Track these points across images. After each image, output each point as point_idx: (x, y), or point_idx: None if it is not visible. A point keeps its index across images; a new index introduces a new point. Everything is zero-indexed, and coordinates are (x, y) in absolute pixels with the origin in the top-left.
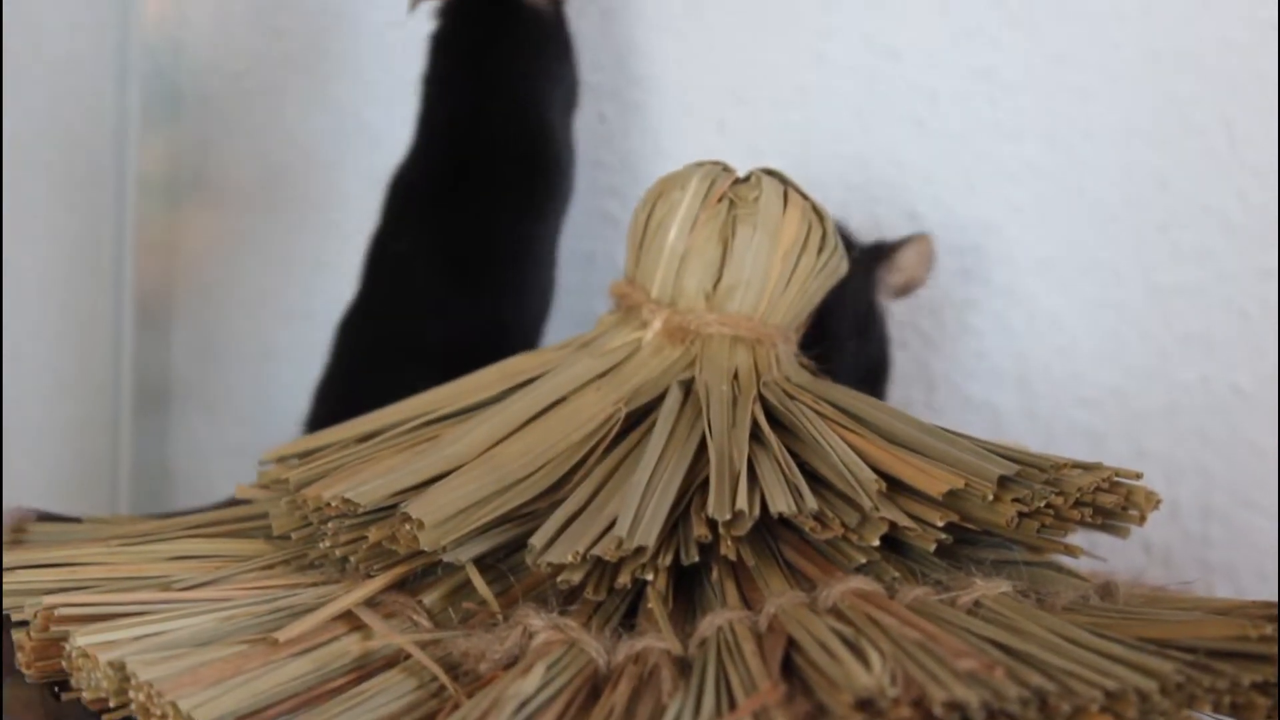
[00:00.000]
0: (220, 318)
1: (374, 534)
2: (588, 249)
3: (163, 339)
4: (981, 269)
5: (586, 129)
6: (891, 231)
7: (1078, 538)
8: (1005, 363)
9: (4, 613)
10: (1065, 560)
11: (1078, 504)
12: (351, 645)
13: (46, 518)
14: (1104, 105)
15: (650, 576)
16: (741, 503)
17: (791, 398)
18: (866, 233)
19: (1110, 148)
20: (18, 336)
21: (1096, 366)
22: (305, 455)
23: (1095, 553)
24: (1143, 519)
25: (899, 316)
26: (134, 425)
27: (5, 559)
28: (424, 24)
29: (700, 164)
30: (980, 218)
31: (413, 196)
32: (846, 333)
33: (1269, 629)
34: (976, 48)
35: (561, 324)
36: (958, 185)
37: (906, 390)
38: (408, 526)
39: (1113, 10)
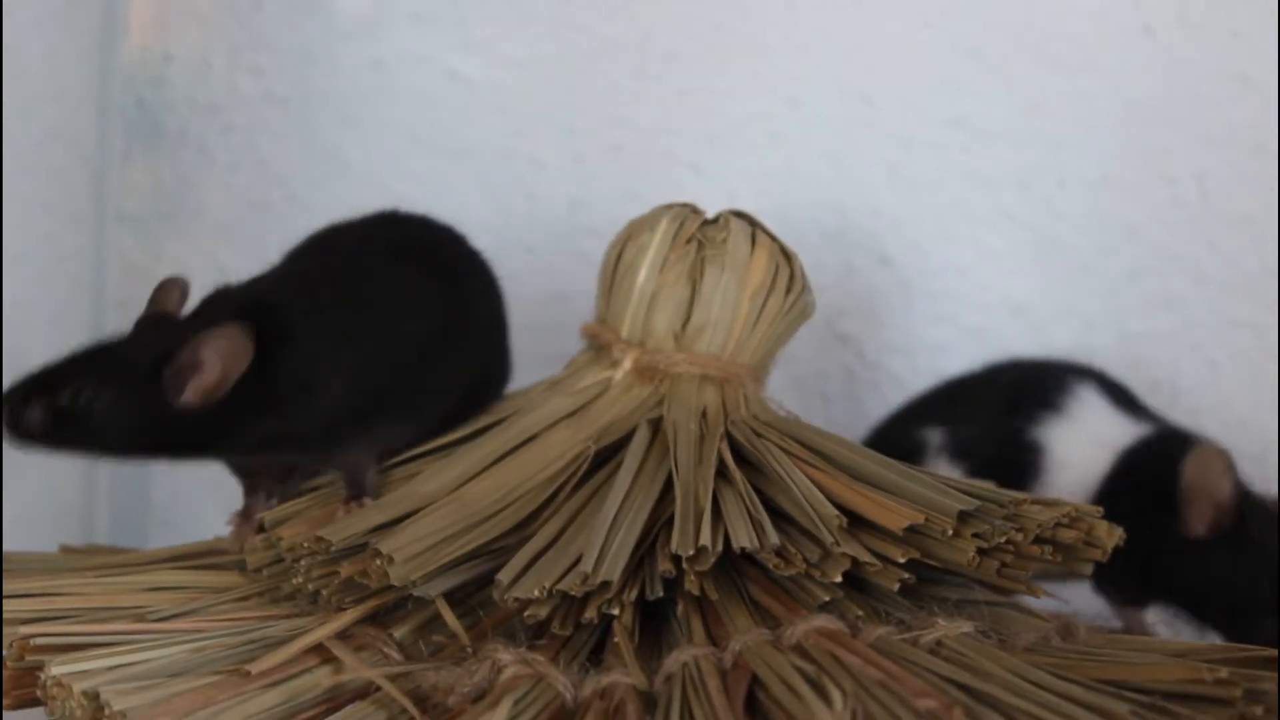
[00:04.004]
0: None
1: (346, 569)
2: (561, 289)
3: None
4: (954, 313)
5: (564, 169)
6: (865, 276)
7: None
8: None
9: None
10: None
11: (1038, 540)
12: (322, 677)
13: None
14: (1077, 154)
15: (616, 611)
16: (705, 538)
17: (759, 435)
18: (839, 277)
19: (1082, 196)
20: None
21: None
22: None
23: (1057, 595)
24: (1104, 554)
25: (869, 358)
26: (114, 465)
27: None
28: (402, 64)
29: (669, 206)
30: (953, 263)
31: None
32: None
33: (1223, 672)
34: (951, 96)
35: (535, 364)
36: (931, 231)
37: None
38: (378, 562)
39: (1087, 62)
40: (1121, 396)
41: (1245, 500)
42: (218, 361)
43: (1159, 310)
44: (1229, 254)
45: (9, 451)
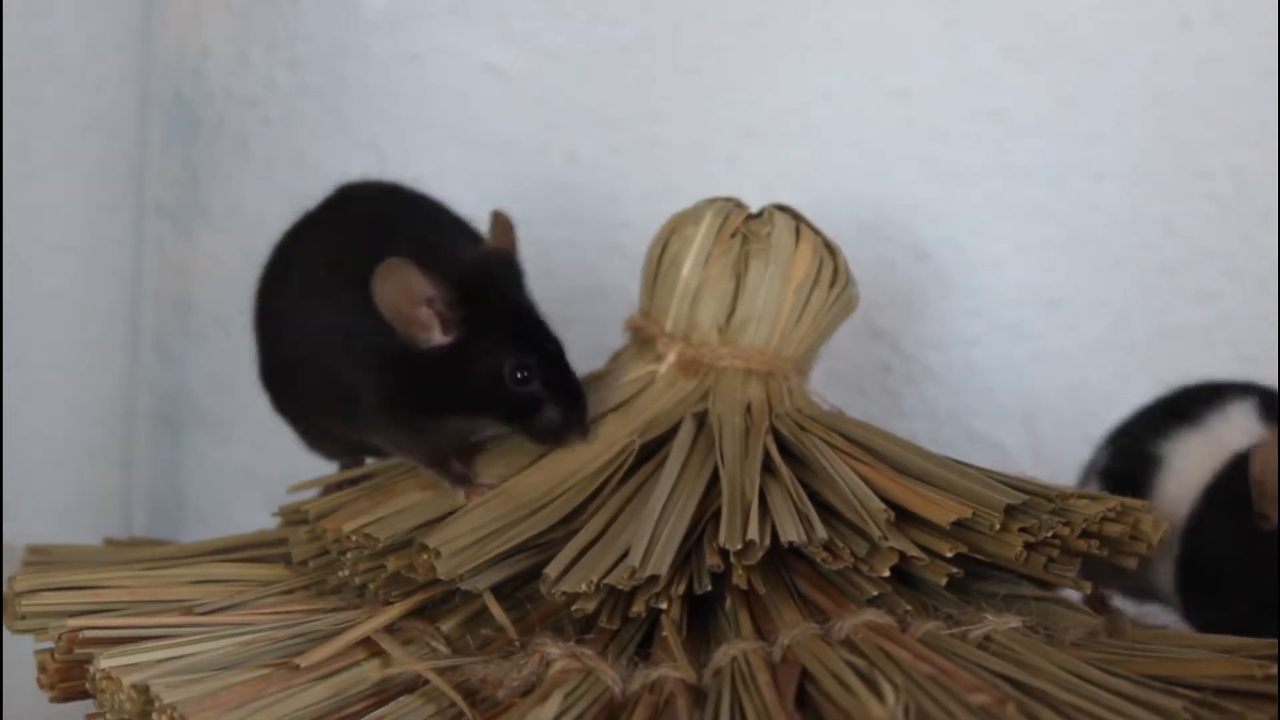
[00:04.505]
0: (235, 343)
1: (392, 564)
2: (599, 281)
3: (178, 364)
4: (989, 308)
5: (599, 162)
6: (901, 270)
7: None
8: (1011, 401)
9: None
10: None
11: (1084, 534)
12: (370, 671)
13: None
14: (1112, 149)
15: (664, 605)
16: (753, 532)
17: (804, 429)
18: (875, 271)
19: (1117, 190)
20: (33, 360)
21: (1103, 406)
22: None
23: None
24: (1150, 548)
25: (905, 352)
26: (148, 451)
27: (28, 582)
28: (438, 57)
29: (713, 200)
30: (988, 257)
31: None
32: None
33: (1273, 669)
34: (987, 89)
35: (575, 357)
36: (967, 225)
37: (912, 425)
38: (425, 556)
39: (1122, 56)
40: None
41: None
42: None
43: (1193, 305)
44: (1264, 248)
45: (44, 448)
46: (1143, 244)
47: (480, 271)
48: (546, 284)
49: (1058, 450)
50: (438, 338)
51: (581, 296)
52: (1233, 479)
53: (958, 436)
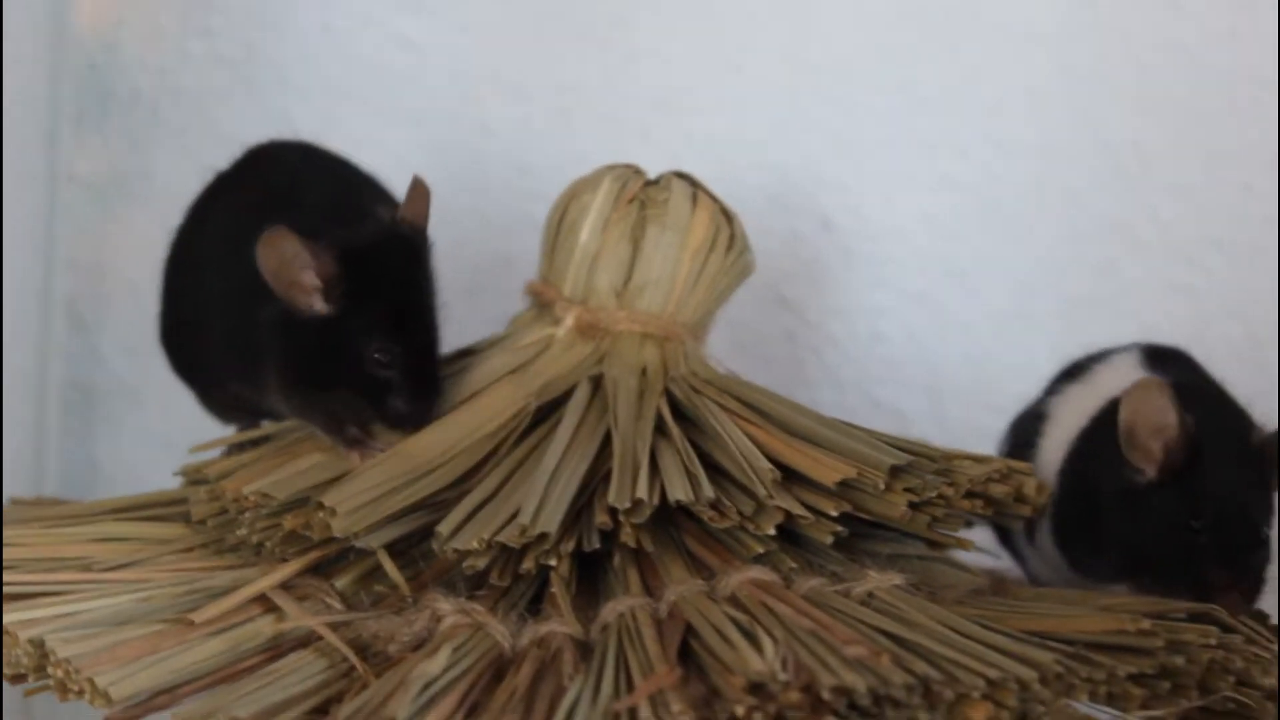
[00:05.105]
0: (148, 310)
1: (289, 522)
2: (510, 252)
3: (91, 332)
4: (894, 278)
5: (512, 134)
6: (808, 241)
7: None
8: (915, 370)
9: None
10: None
11: (969, 494)
12: (265, 626)
13: None
14: (1017, 121)
15: (553, 563)
16: (641, 491)
17: (697, 392)
18: (782, 242)
19: (1022, 162)
20: None
21: (1007, 375)
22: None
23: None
24: (1034, 510)
25: (811, 321)
26: (62, 423)
27: None
28: (351, 28)
29: (612, 166)
30: (895, 227)
31: None
32: None
33: (1146, 624)
34: (893, 62)
35: (483, 327)
36: (873, 196)
37: (816, 394)
38: (321, 514)
39: (1028, 30)
40: (1169, 362)
41: (1206, 435)
42: None
43: (1096, 275)
44: (1166, 220)
45: None
46: (1047, 215)
47: (368, 247)
48: (458, 254)
49: (961, 419)
50: (319, 306)
51: (493, 267)
52: (1104, 424)
53: (862, 405)
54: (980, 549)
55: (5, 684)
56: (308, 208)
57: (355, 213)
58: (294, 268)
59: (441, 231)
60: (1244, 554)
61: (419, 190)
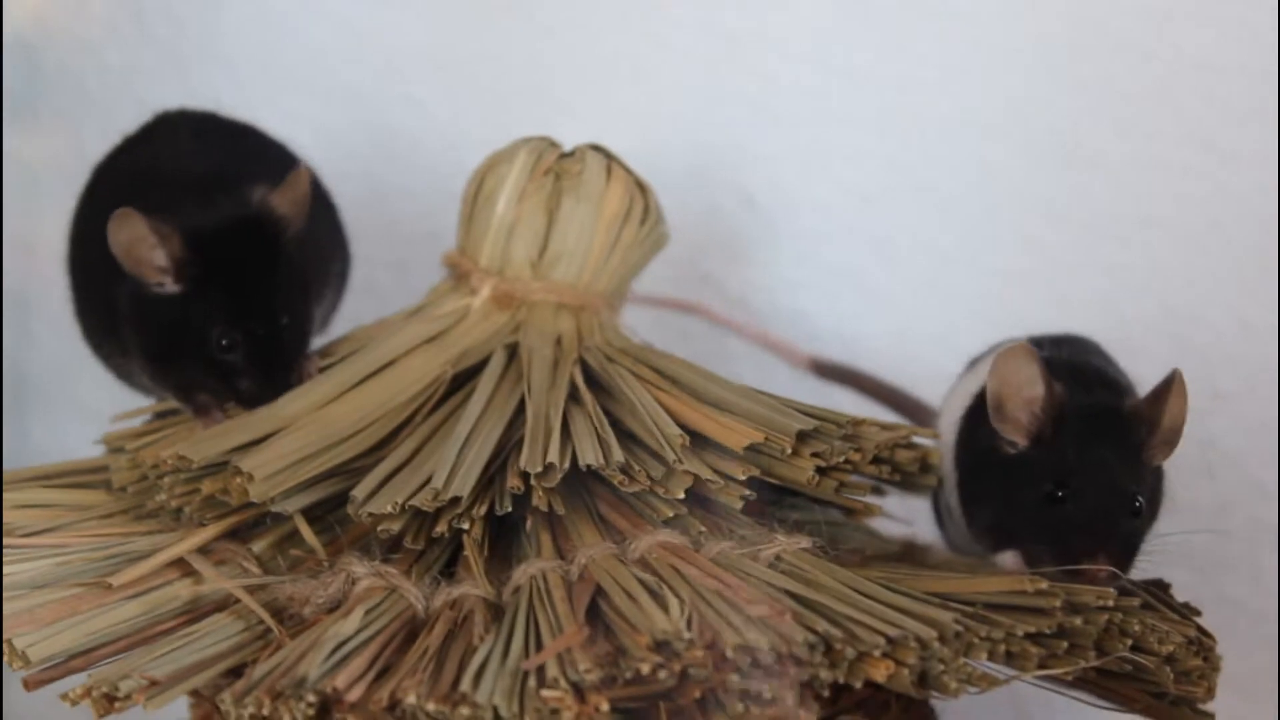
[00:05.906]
0: None
1: (207, 486)
2: (437, 227)
3: (22, 314)
4: (815, 252)
5: (439, 111)
6: (728, 215)
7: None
8: (836, 344)
9: None
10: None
11: (875, 460)
12: (182, 590)
13: None
14: (937, 95)
15: (466, 526)
16: (553, 455)
17: (611, 360)
18: (702, 216)
19: (942, 136)
20: None
21: (928, 349)
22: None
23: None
24: (939, 480)
25: (732, 294)
26: None
27: None
28: (278, 3)
29: (528, 139)
30: (815, 200)
31: None
32: None
33: (1044, 584)
34: (814, 36)
35: (410, 300)
36: (794, 169)
37: (736, 368)
38: (239, 479)
39: (949, 4)
40: (1064, 347)
41: (1075, 404)
42: None
43: (1016, 250)
44: (1087, 194)
45: None
46: (967, 189)
47: (219, 230)
48: (387, 231)
49: None
50: (170, 285)
51: (420, 241)
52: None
53: (784, 380)
54: (894, 517)
55: (6, 685)
56: (181, 184)
57: (232, 191)
58: (142, 248)
59: (370, 208)
60: (1110, 522)
61: (296, 178)
